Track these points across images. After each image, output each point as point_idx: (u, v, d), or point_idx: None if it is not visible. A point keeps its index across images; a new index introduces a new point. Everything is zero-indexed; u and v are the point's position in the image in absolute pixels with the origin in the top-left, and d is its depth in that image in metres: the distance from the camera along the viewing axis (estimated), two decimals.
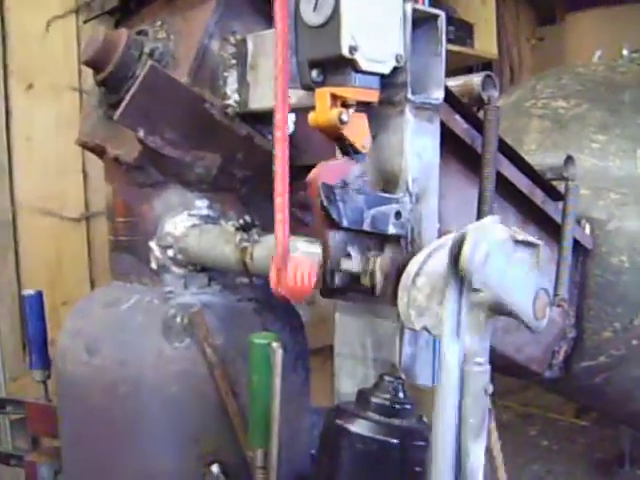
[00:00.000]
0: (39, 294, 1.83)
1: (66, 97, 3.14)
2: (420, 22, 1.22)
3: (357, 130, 1.13)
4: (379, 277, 1.08)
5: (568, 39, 5.18)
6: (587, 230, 2.40)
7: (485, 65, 4.78)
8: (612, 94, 2.63)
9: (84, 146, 1.66)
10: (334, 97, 1.11)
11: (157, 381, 1.41)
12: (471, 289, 0.98)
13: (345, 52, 1.08)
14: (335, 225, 1.12)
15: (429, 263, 1.02)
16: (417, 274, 1.01)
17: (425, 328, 1.03)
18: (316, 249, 1.17)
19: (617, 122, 2.52)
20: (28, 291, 1.85)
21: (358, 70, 1.11)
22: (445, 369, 1.01)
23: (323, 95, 1.11)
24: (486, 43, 4.50)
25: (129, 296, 1.51)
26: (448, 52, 3.99)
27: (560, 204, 2.14)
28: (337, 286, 1.18)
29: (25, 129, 3.14)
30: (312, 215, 1.17)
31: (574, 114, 2.60)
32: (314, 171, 1.10)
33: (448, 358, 1.00)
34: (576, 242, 2.33)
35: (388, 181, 1.23)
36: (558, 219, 2.14)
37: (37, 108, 3.16)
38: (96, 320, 1.53)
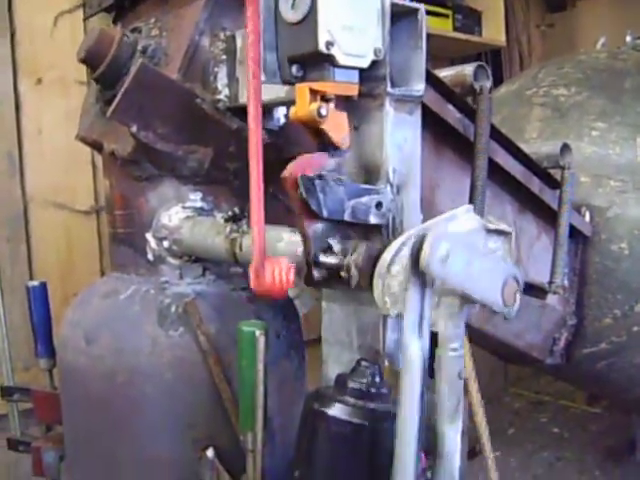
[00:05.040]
0: (43, 285, 1.89)
1: (74, 91, 3.18)
2: (400, 16, 1.24)
3: (336, 125, 1.15)
4: (354, 272, 1.11)
5: (579, 26, 5.15)
6: (587, 218, 2.42)
7: (494, 53, 4.77)
8: (613, 81, 2.64)
9: (83, 141, 1.70)
10: (313, 92, 1.13)
11: (152, 368, 1.46)
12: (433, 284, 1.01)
13: (322, 48, 1.10)
14: (315, 216, 1.16)
15: (404, 251, 1.05)
16: (392, 262, 1.04)
17: (400, 315, 1.06)
18: (299, 239, 1.20)
19: (617, 109, 2.53)
20: (32, 282, 1.90)
21: (336, 65, 1.14)
22: (407, 363, 1.05)
23: (302, 90, 1.14)
24: (494, 31, 4.48)
25: (126, 286, 1.55)
26: (456, 40, 3.98)
27: (558, 192, 2.16)
28: (318, 278, 1.21)
29: (35, 123, 3.19)
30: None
31: (575, 102, 2.61)
32: (289, 167, 1.13)
33: (410, 353, 1.04)
34: (576, 230, 2.35)
35: (369, 173, 1.26)
36: (556, 207, 2.16)
37: (46, 102, 3.21)
38: (95, 310, 1.57)
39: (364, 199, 1.20)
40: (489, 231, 1.06)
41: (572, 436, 4.30)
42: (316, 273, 1.21)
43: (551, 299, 2.33)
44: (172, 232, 1.53)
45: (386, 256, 1.06)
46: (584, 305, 2.44)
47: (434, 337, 1.10)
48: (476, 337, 2.21)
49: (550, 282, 2.07)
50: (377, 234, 1.23)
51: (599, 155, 2.48)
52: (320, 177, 1.13)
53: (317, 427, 1.09)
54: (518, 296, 1.05)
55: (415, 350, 1.03)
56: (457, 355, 1.09)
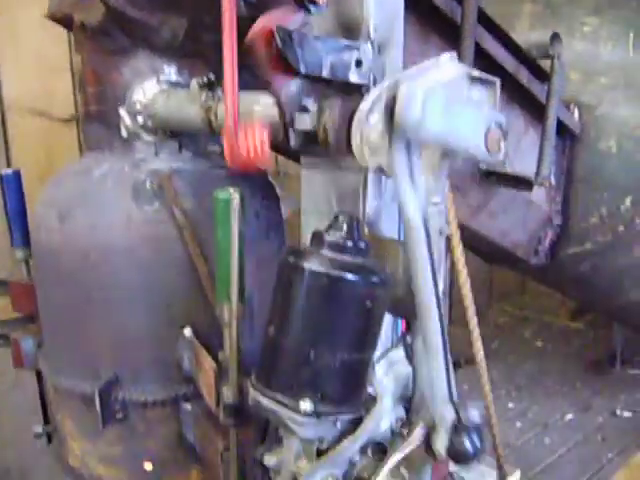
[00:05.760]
0: (16, 173, 1.83)
1: None
2: None
3: None
4: (330, 131, 1.07)
5: None
6: (576, 115, 2.37)
7: None
8: None
9: (53, 18, 1.63)
10: None
11: (127, 244, 1.42)
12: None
13: None
14: (290, 74, 1.10)
15: (383, 100, 1.00)
16: (370, 111, 1.00)
17: (380, 168, 1.02)
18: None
19: (611, 4, 2.45)
20: (6, 170, 1.84)
21: None
22: (406, 213, 1.03)
23: None
24: None
25: (100, 164, 1.51)
26: None
27: (547, 85, 2.10)
28: (295, 144, 1.16)
29: (9, 26, 3.09)
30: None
31: None
32: (257, 23, 1.07)
33: (409, 207, 1.02)
34: (564, 128, 2.30)
35: (349, 31, 1.20)
36: (544, 100, 2.10)
37: (20, 5, 3.09)
38: (68, 189, 1.53)
39: (344, 56, 1.14)
40: (473, 79, 1.02)
41: (555, 350, 4.35)
42: (293, 139, 1.17)
43: (537, 196, 2.30)
44: (146, 107, 1.47)
45: (364, 105, 1.01)
46: (570, 204, 2.40)
47: None
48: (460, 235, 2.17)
49: (536, 174, 2.03)
50: (357, 95, 1.18)
51: (590, 51, 2.41)
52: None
53: (293, 281, 1.06)
54: (502, 144, 1.01)
55: (413, 203, 1.02)
56: (438, 210, 1.06)
